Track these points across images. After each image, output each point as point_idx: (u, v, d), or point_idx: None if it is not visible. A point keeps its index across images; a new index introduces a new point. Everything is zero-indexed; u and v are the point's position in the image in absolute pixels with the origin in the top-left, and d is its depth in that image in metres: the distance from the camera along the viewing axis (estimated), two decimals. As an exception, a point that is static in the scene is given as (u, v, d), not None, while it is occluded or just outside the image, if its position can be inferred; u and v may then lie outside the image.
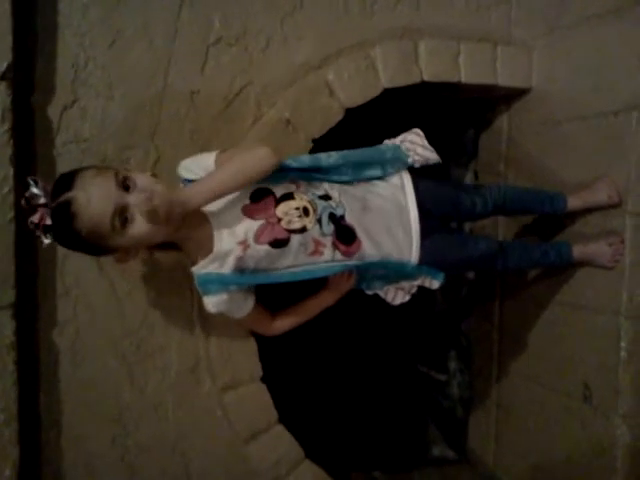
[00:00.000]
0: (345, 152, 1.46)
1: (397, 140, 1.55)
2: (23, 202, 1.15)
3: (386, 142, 1.56)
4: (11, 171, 1.30)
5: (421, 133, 1.54)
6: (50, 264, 1.41)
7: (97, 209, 1.12)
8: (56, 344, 1.44)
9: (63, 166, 1.40)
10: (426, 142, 1.53)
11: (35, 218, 1.13)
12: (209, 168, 1.32)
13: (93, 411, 1.49)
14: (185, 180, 1.36)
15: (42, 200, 1.13)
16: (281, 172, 1.36)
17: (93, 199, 1.12)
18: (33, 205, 1.14)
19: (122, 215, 1.15)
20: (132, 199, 1.15)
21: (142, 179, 1.19)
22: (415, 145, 1.52)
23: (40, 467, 1.44)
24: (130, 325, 1.50)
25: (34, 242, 1.36)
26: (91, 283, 1.45)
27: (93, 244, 1.17)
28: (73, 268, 1.42)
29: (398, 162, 1.51)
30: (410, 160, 1.50)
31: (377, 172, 1.49)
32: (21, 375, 1.35)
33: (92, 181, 1.14)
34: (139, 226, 1.16)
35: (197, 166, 1.34)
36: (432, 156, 1.52)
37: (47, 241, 1.15)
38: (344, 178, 1.45)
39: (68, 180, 1.14)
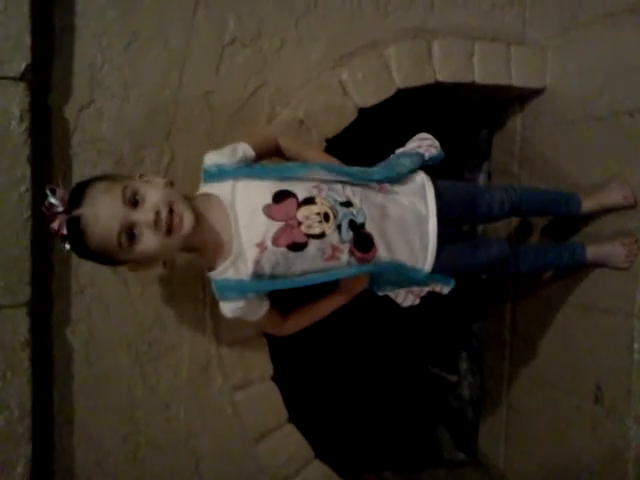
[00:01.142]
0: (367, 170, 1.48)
1: (411, 145, 1.57)
2: (44, 209, 1.17)
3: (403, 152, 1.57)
4: (28, 170, 1.31)
5: (429, 136, 1.58)
6: (65, 263, 1.42)
7: (103, 227, 1.14)
8: (70, 342, 1.45)
9: (79, 166, 1.42)
10: (435, 142, 1.57)
11: (55, 225, 1.16)
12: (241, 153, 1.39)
13: (105, 409, 1.50)
14: (208, 171, 1.36)
15: (59, 209, 1.16)
16: (306, 174, 1.37)
17: (100, 217, 1.14)
18: (52, 212, 1.16)
19: (129, 232, 1.16)
20: (139, 216, 1.17)
21: (153, 193, 1.20)
22: (427, 146, 1.56)
23: (52, 464, 1.46)
24: (143, 324, 1.51)
25: (50, 241, 1.37)
26: (105, 282, 1.46)
27: (103, 257, 1.20)
28: (88, 267, 1.42)
29: (411, 157, 1.52)
30: (427, 156, 1.53)
31: (404, 169, 1.49)
32: (35, 372, 1.37)
33: (100, 198, 1.16)
34: (147, 242, 1.18)
35: (227, 153, 1.38)
36: (436, 152, 1.56)
37: (66, 247, 1.18)
38: (372, 177, 1.44)
39: (79, 194, 1.16)
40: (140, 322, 1.51)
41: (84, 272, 1.44)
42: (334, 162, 1.50)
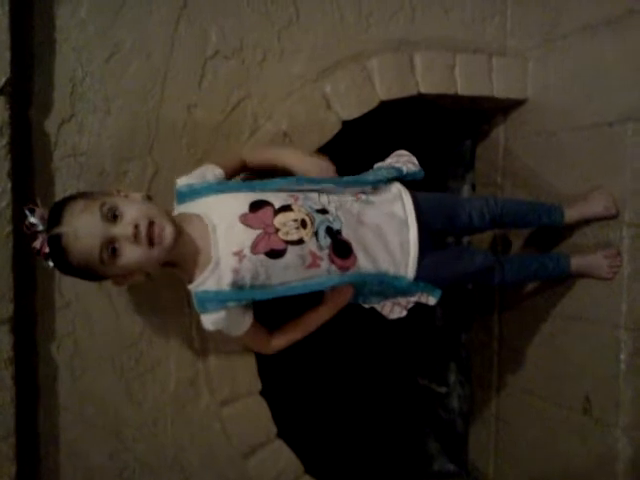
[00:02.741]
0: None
1: (390, 160, 1.58)
2: (24, 228, 1.18)
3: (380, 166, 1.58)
4: (9, 185, 1.30)
5: (407, 152, 1.59)
6: (48, 278, 1.41)
7: (84, 244, 1.16)
8: (54, 358, 1.43)
9: (61, 180, 1.41)
10: (413, 158, 1.58)
11: (37, 244, 1.17)
12: (210, 173, 1.40)
13: (92, 425, 1.47)
14: (180, 191, 1.38)
15: (40, 227, 1.17)
16: (279, 186, 1.39)
17: (80, 234, 1.15)
18: (33, 232, 1.17)
19: (110, 247, 1.17)
20: (119, 230, 1.18)
21: (131, 207, 1.21)
22: (404, 161, 1.56)
23: (38, 483, 1.43)
24: (128, 339, 1.49)
25: (32, 256, 1.35)
26: (90, 297, 1.44)
27: (87, 273, 1.21)
28: (71, 282, 1.40)
29: (389, 170, 1.53)
30: (405, 170, 1.53)
31: (378, 177, 1.50)
32: (19, 390, 1.34)
33: (79, 217, 1.17)
34: (129, 256, 1.19)
35: (196, 174, 1.40)
36: (415, 169, 1.56)
37: (50, 264, 1.19)
38: (344, 183, 1.46)
39: (58, 213, 1.17)
40: (126, 337, 1.49)
41: (68, 287, 1.42)
42: (313, 157, 1.52)
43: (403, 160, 1.57)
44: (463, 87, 1.93)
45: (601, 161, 1.79)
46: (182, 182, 1.39)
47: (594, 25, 1.83)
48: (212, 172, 1.42)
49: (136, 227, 1.17)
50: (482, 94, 1.99)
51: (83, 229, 1.15)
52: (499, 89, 2.01)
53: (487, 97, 2.00)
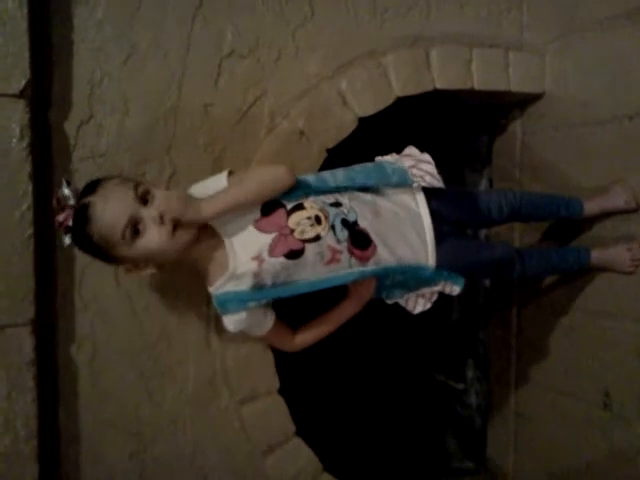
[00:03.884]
0: (350, 173, 1.45)
1: (405, 164, 1.51)
2: (54, 202, 1.19)
3: (392, 163, 1.52)
4: (30, 187, 1.30)
5: (430, 160, 1.51)
6: (68, 279, 1.41)
7: (111, 217, 1.15)
8: (74, 360, 1.43)
9: (80, 181, 1.37)
10: (435, 170, 1.49)
11: (61, 217, 1.18)
12: (220, 187, 1.34)
13: (112, 426, 1.48)
14: None
15: (71, 202, 1.17)
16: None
17: (109, 206, 1.16)
18: (62, 206, 1.18)
19: (134, 227, 1.17)
20: (147, 213, 1.18)
21: (161, 194, 1.22)
22: (423, 173, 1.48)
23: (59, 483, 1.44)
24: (147, 339, 1.50)
25: (53, 258, 1.37)
26: (109, 298, 1.45)
27: (102, 250, 1.20)
28: (91, 283, 1.42)
29: (404, 185, 1.48)
30: (416, 185, 1.47)
31: (394, 179, 1.47)
32: (40, 391, 1.35)
33: (113, 189, 1.18)
34: (149, 239, 1.19)
35: (207, 187, 1.36)
36: (438, 184, 1.48)
37: (67, 241, 1.19)
38: (358, 186, 1.44)
39: (93, 185, 1.19)
40: (145, 338, 1.50)
41: (88, 288, 1.43)
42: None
43: (423, 170, 1.48)
44: (480, 82, 1.92)
45: (621, 154, 1.77)
46: (195, 190, 1.37)
47: (613, 17, 1.81)
48: (225, 179, 1.37)
49: (162, 215, 1.18)
50: (499, 89, 1.97)
51: (114, 203, 1.16)
52: (516, 83, 1.99)
53: (504, 91, 1.99)
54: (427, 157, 1.52)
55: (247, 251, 1.29)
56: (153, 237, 1.19)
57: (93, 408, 1.46)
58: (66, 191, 1.17)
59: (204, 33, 1.54)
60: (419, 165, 1.50)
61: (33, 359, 1.32)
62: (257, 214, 1.31)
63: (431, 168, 1.50)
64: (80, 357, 1.44)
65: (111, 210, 1.15)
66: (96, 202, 1.15)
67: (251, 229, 1.30)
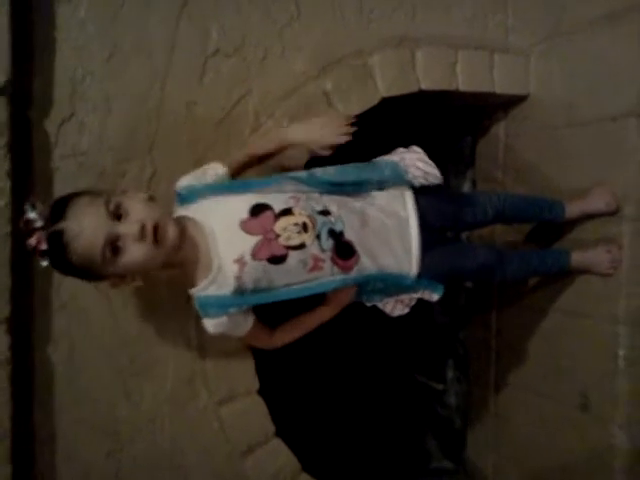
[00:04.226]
0: (342, 168, 1.45)
1: (395, 157, 1.51)
2: (21, 225, 1.15)
3: (383, 158, 1.54)
4: (8, 185, 1.29)
5: (420, 150, 1.51)
6: (45, 278, 1.39)
7: (87, 240, 1.13)
8: (51, 359, 1.42)
9: (61, 180, 1.39)
10: (426, 157, 1.50)
11: (32, 241, 1.13)
12: (211, 172, 1.39)
13: (88, 426, 1.47)
14: (179, 194, 1.37)
15: (38, 224, 1.13)
16: (280, 186, 1.37)
17: (84, 230, 1.12)
18: (30, 229, 1.14)
19: (113, 245, 1.15)
20: (123, 229, 1.16)
21: (137, 206, 1.19)
22: (414, 161, 1.49)
23: (33, 484, 1.43)
24: (125, 338, 1.49)
25: (30, 256, 1.35)
26: (86, 297, 1.43)
27: (86, 272, 1.18)
28: (69, 282, 1.39)
29: (398, 179, 1.49)
30: (410, 177, 1.48)
31: (383, 176, 1.47)
32: (15, 390, 1.34)
33: (83, 211, 1.14)
34: (131, 255, 1.17)
35: (198, 173, 1.39)
36: (433, 171, 1.48)
37: (44, 263, 1.16)
38: (344, 190, 1.44)
39: (61, 208, 1.14)
40: (122, 337, 1.49)
41: (65, 287, 1.41)
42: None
43: (420, 169, 1.48)
44: (464, 83, 1.93)
45: (603, 156, 1.79)
46: (182, 183, 1.38)
47: (596, 20, 1.82)
48: (214, 171, 1.40)
49: (142, 227, 1.16)
50: (483, 90, 1.98)
51: (87, 225, 1.13)
52: (500, 85, 2.00)
53: (488, 93, 2.00)
54: (415, 148, 1.52)
55: (230, 252, 1.28)
56: (136, 252, 1.17)
57: (69, 407, 1.45)
58: (32, 215, 1.13)
59: (189, 31, 1.53)
60: (407, 156, 1.51)
61: (8, 358, 1.31)
62: (244, 214, 1.30)
63: (420, 156, 1.50)
64: (56, 356, 1.43)
65: (86, 234, 1.12)
66: (69, 228, 1.12)
67: (237, 229, 1.29)
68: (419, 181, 1.48)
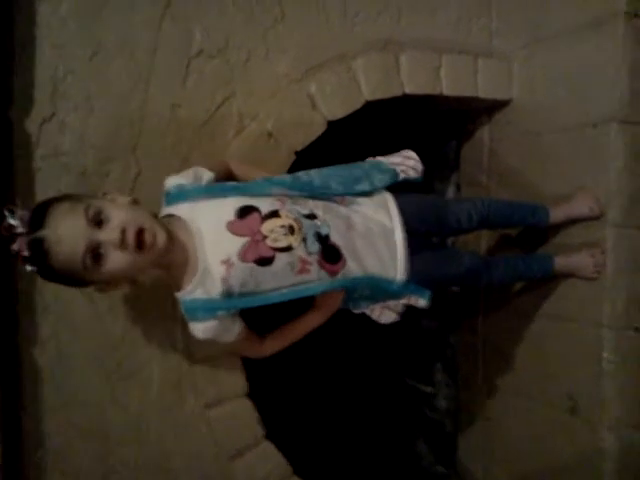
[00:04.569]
0: (326, 171, 1.47)
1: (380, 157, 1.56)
2: (3, 230, 1.13)
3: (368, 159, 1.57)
4: (-11, 186, 1.28)
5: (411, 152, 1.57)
6: (29, 280, 1.37)
7: (67, 249, 1.11)
8: (37, 362, 1.40)
9: (42, 180, 1.38)
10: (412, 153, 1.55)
11: (15, 247, 1.12)
12: (206, 175, 1.39)
13: (76, 429, 1.45)
14: (169, 192, 1.35)
15: (20, 229, 1.11)
16: (267, 189, 1.37)
17: (63, 238, 1.11)
18: (12, 234, 1.12)
19: (94, 252, 1.13)
20: (104, 235, 1.14)
21: (117, 212, 1.17)
22: (399, 157, 1.55)
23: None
24: (112, 342, 1.47)
25: (12, 258, 1.33)
26: (71, 300, 1.42)
27: (70, 279, 1.17)
28: (53, 285, 1.37)
29: (384, 174, 1.50)
30: (398, 169, 1.51)
31: (366, 187, 1.48)
32: (2, 394, 1.32)
33: (63, 218, 1.12)
34: (114, 262, 1.15)
35: (187, 175, 1.37)
36: (416, 164, 1.54)
37: (29, 268, 1.14)
38: (333, 193, 1.44)
39: (41, 215, 1.12)
40: (109, 340, 1.47)
41: (49, 290, 1.39)
42: None
43: (408, 164, 1.55)
44: (448, 88, 1.94)
45: (585, 162, 1.80)
46: (172, 182, 1.35)
47: (579, 27, 1.84)
48: (201, 174, 1.39)
49: (123, 232, 1.14)
50: (467, 94, 1.99)
51: (66, 233, 1.11)
52: (484, 89, 2.02)
53: (472, 97, 2.01)
54: (411, 154, 1.57)
55: (217, 253, 1.27)
56: (118, 259, 1.15)
57: (57, 411, 1.43)
58: (12, 221, 1.11)
59: (172, 32, 1.52)
60: (405, 162, 1.55)
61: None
62: (231, 216, 1.29)
63: (414, 162, 1.55)
64: (43, 359, 1.41)
65: (66, 242, 1.11)
66: (48, 236, 1.10)
67: (224, 231, 1.28)
68: (405, 173, 1.53)
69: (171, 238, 1.23)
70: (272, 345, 1.47)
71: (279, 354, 1.49)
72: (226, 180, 1.48)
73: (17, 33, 1.35)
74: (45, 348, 1.41)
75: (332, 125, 1.74)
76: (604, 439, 1.70)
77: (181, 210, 1.32)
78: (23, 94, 1.36)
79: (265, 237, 1.29)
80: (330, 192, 1.43)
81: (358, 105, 1.77)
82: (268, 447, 1.64)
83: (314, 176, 1.44)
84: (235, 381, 1.61)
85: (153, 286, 1.46)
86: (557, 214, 1.82)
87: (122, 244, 1.14)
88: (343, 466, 2.39)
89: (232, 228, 1.28)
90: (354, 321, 1.64)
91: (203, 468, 1.58)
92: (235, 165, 1.53)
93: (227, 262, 1.26)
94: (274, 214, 1.32)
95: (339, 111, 1.74)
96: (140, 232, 1.16)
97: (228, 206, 1.31)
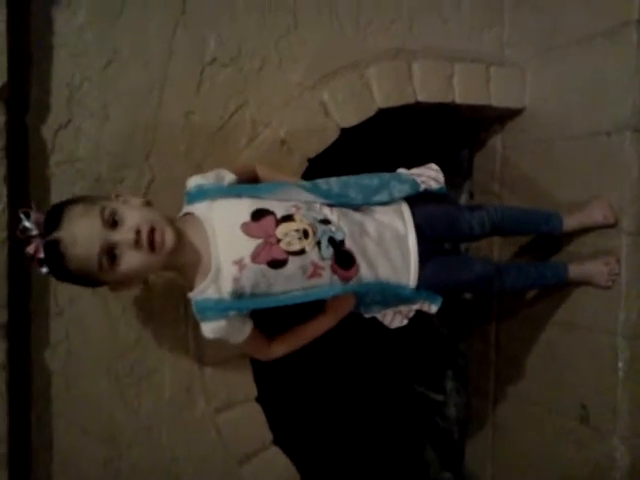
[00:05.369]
0: (345, 179, 1.48)
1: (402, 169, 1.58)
2: (18, 233, 1.15)
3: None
4: (4, 190, 1.30)
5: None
6: (43, 284, 1.39)
7: (83, 250, 1.13)
8: (48, 365, 1.41)
9: (57, 186, 1.40)
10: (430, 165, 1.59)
11: (30, 249, 1.14)
12: (228, 177, 1.40)
13: (86, 433, 1.46)
14: (189, 192, 1.37)
15: (35, 232, 1.13)
16: (284, 194, 1.38)
17: (79, 240, 1.13)
18: (27, 236, 1.14)
19: (110, 253, 1.15)
20: (119, 236, 1.16)
21: (131, 213, 1.20)
22: (422, 170, 1.58)
23: (30, 491, 1.42)
24: (124, 346, 1.48)
25: (27, 262, 1.35)
26: (84, 303, 1.43)
27: (85, 280, 1.19)
28: (66, 288, 1.39)
29: (403, 184, 1.51)
30: (418, 180, 1.52)
31: (384, 197, 1.49)
32: (12, 396, 1.33)
33: (78, 220, 1.14)
34: (129, 262, 1.17)
35: (209, 175, 1.39)
36: (438, 176, 1.58)
37: (44, 271, 1.16)
38: (352, 203, 1.45)
39: (56, 217, 1.14)
40: (121, 344, 1.48)
41: (63, 293, 1.41)
42: None
43: (428, 175, 1.58)
44: (461, 96, 1.94)
45: (599, 170, 1.79)
46: (193, 182, 1.37)
47: (591, 35, 1.83)
48: (225, 176, 1.41)
49: (137, 233, 1.16)
50: (479, 103, 1.99)
51: (82, 235, 1.13)
52: (497, 98, 2.01)
53: (484, 106, 2.01)
54: (433, 165, 1.61)
55: (230, 253, 1.28)
56: (133, 259, 1.17)
57: (66, 414, 1.44)
58: (27, 224, 1.13)
59: (186, 40, 1.54)
60: (425, 172, 1.58)
61: (5, 363, 1.31)
62: (246, 218, 1.31)
63: (435, 173, 1.59)
64: (54, 362, 1.42)
65: (81, 244, 1.13)
66: (64, 238, 1.12)
67: (238, 232, 1.29)
68: (426, 185, 1.54)
69: (181, 238, 1.25)
70: (281, 347, 1.47)
71: (287, 358, 1.49)
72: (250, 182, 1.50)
73: (34, 40, 1.38)
74: (56, 351, 1.43)
75: (345, 133, 1.74)
76: (615, 449, 1.68)
77: (199, 209, 1.33)
78: (39, 101, 1.39)
79: (279, 240, 1.30)
80: (348, 201, 1.44)
81: (371, 112, 1.78)
82: (276, 452, 1.65)
83: (333, 184, 1.46)
84: (244, 385, 1.62)
85: (165, 290, 1.48)
86: (571, 222, 1.80)
87: (137, 244, 1.16)
88: (350, 472, 2.38)
89: (246, 229, 1.30)
90: (364, 326, 1.65)
91: (211, 472, 1.59)
92: (261, 169, 1.54)
93: (239, 263, 1.27)
94: (289, 218, 1.33)
95: (352, 118, 1.75)
96: (152, 230, 1.18)
97: (243, 208, 1.32)
